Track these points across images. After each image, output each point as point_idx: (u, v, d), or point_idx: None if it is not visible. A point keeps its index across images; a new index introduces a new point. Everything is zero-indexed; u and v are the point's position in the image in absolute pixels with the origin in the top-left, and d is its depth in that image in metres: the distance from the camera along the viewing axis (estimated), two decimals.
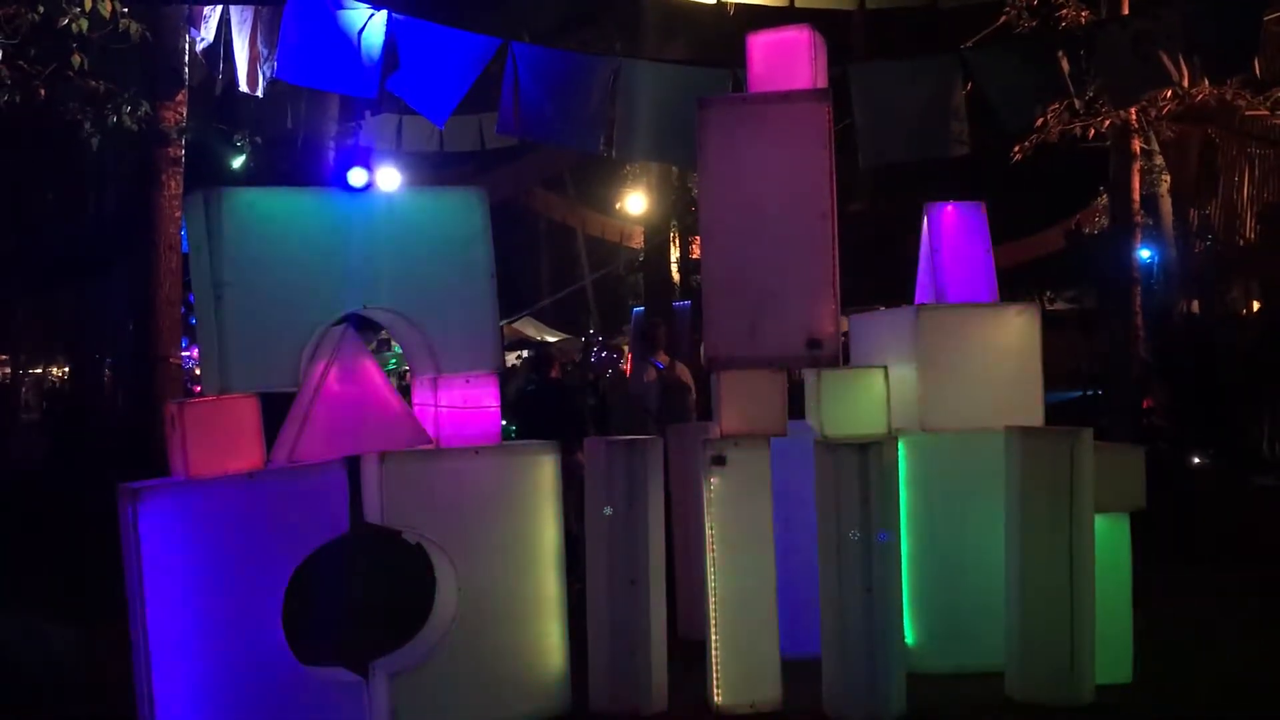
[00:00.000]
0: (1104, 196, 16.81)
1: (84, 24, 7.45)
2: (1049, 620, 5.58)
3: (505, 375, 10.02)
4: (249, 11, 8.58)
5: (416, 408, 5.56)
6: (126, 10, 7.86)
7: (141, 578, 4.57)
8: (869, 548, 5.40)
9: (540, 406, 8.85)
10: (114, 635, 5.09)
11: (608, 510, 5.68)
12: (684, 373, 9.23)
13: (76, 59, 7.77)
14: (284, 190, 5.44)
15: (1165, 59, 8.45)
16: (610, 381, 12.71)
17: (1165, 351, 13.13)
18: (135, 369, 9.80)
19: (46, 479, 14.98)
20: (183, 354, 9.75)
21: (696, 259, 18.54)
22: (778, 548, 5.71)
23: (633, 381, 9.62)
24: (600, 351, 19.85)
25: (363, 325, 5.81)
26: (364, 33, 8.12)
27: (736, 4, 10.28)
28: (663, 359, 9.26)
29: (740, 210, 5.76)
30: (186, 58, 9.28)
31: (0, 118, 8.16)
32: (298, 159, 11.81)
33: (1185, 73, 8.65)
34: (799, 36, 5.93)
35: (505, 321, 18.46)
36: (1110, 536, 5.81)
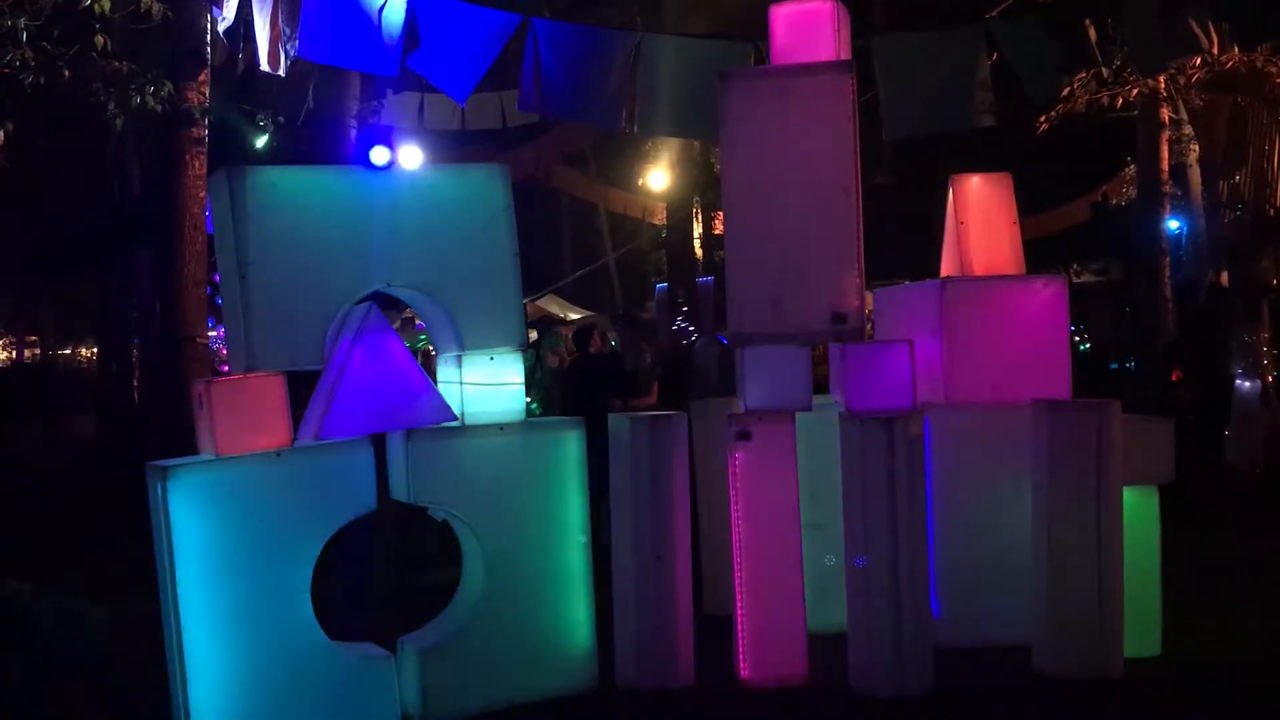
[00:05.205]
0: (1131, 167, 16.59)
1: (106, 4, 7.45)
2: (1077, 593, 5.56)
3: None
4: None
5: (441, 385, 5.58)
6: None
7: (171, 555, 4.62)
8: (895, 522, 5.38)
9: (584, 380, 8.85)
10: (146, 612, 5.15)
11: None
12: None
13: (99, 40, 7.77)
14: (307, 169, 5.45)
15: (1194, 26, 8.33)
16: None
17: (1193, 322, 12.96)
18: (162, 349, 9.85)
19: (88, 459, 15.17)
20: (209, 334, 9.80)
21: (720, 235, 18.43)
22: (803, 522, 5.70)
23: (698, 355, 9.61)
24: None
25: (387, 303, 5.82)
26: (385, 10, 8.10)
27: None
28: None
29: (763, 185, 5.72)
30: (208, 37, 9.27)
31: (25, 100, 8.19)
32: (320, 138, 11.80)
33: (1214, 40, 8.53)
34: (822, 8, 5.87)
35: (528, 299, 18.37)
36: (1139, 509, 5.78)
